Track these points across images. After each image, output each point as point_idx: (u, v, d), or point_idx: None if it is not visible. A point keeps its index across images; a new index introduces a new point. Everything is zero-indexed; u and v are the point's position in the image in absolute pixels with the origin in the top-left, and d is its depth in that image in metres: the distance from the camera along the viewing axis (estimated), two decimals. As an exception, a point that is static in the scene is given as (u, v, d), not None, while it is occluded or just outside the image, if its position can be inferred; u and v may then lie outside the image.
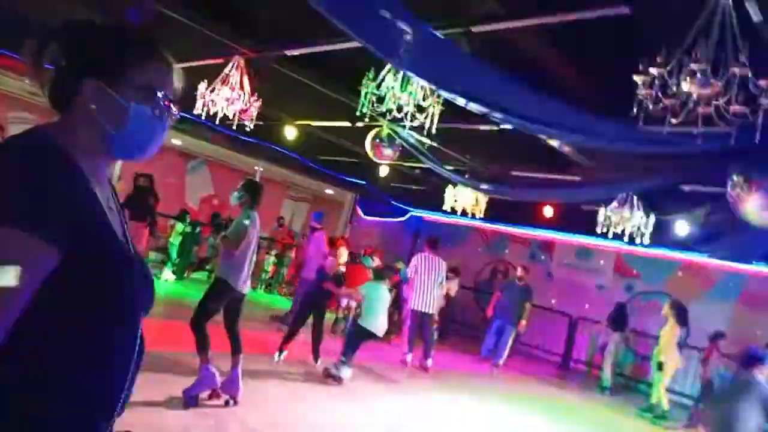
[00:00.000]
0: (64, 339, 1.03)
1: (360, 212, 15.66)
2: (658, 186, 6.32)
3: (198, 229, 11.62)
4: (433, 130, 5.11)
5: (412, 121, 5.29)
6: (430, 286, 8.55)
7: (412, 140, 7.90)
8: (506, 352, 9.58)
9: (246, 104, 6.09)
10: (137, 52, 1.18)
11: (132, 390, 1.16)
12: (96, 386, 1.08)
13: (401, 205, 15.20)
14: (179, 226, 10.98)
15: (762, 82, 3.21)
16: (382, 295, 6.85)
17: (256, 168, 13.44)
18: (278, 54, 6.13)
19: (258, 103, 6.16)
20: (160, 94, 1.17)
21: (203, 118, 6.11)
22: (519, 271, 10.10)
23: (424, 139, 8.00)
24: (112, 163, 1.24)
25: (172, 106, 1.21)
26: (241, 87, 6.03)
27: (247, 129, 6.25)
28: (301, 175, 13.54)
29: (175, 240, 10.96)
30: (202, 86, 6.05)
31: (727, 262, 10.37)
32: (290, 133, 9.43)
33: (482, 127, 6.92)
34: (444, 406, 6.58)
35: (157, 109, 1.17)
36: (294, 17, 5.52)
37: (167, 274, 10.48)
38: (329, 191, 15.42)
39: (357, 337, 6.59)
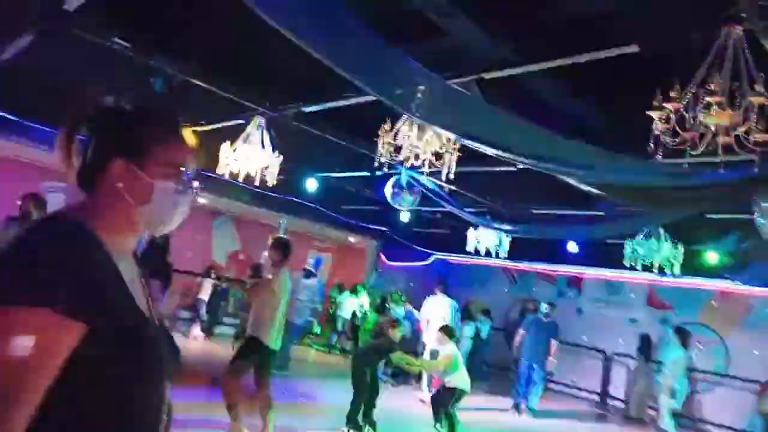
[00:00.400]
0: (91, 412, 1.05)
1: (384, 259, 15.66)
2: (683, 217, 6.24)
3: (226, 285, 11.73)
4: (452, 176, 5.16)
5: (429, 167, 5.37)
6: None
7: (431, 185, 7.97)
8: (540, 392, 9.31)
9: (268, 161, 6.25)
10: (161, 131, 1.24)
11: None
12: None
13: (423, 249, 15.18)
14: (206, 282, 11.09)
15: (779, 109, 3.21)
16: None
17: (280, 221, 13.70)
18: (297, 111, 6.31)
19: (279, 159, 6.31)
20: (182, 170, 1.23)
21: (226, 176, 6.26)
22: (543, 307, 9.76)
23: (444, 184, 8.07)
24: (137, 236, 1.28)
25: (193, 180, 1.26)
26: (263, 144, 6.20)
27: (270, 185, 6.37)
28: (325, 225, 13.67)
29: (204, 296, 11.05)
30: (225, 146, 6.23)
31: (762, 288, 10.07)
32: (311, 185, 9.59)
33: (500, 169, 6.96)
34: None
35: (180, 185, 1.23)
36: (311, 74, 5.72)
37: (195, 332, 10.52)
38: (352, 239, 15.50)
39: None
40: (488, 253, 9.85)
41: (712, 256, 8.24)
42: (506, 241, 9.81)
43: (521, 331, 9.70)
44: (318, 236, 15.53)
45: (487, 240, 9.78)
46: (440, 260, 15.73)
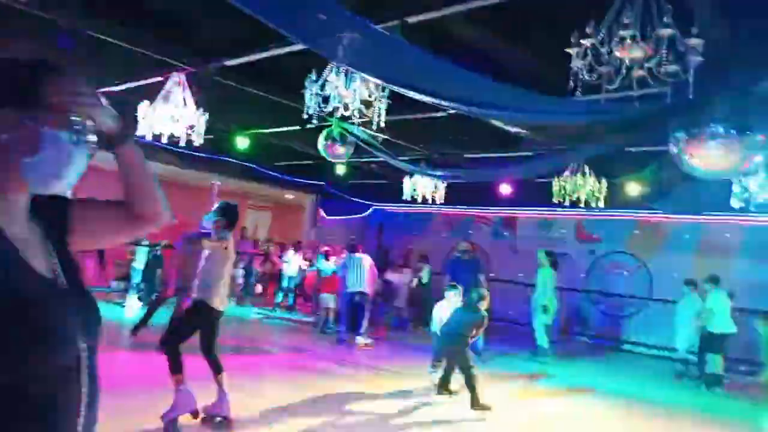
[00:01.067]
0: None
1: (323, 213, 15.62)
2: (606, 151, 6.52)
3: (159, 252, 11.39)
4: (382, 124, 5.14)
5: (360, 117, 5.32)
6: None
7: (364, 136, 7.92)
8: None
9: (192, 119, 6.00)
10: (51, 79, 1.15)
11: (93, 428, 1.15)
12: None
13: (362, 201, 15.24)
14: (141, 250, 10.73)
15: (689, 41, 3.35)
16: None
17: (212, 182, 13.32)
18: (219, 65, 6.05)
19: (204, 117, 6.07)
20: (74, 119, 1.14)
21: (149, 138, 5.98)
22: (461, 246, 9.28)
23: (377, 134, 8.03)
24: (26, 195, 1.18)
25: (88, 132, 1.16)
26: (185, 103, 5.93)
27: (196, 144, 6.14)
28: (259, 183, 13.42)
29: (138, 265, 10.71)
30: (143, 106, 5.93)
31: (679, 216, 10.80)
32: (242, 143, 9.33)
33: (432, 115, 6.99)
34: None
35: (72, 135, 1.14)
36: (232, 27, 5.47)
37: (132, 302, 10.25)
38: (289, 196, 15.33)
39: None
40: (425, 200, 9.99)
41: (633, 188, 8.70)
42: (442, 187, 9.97)
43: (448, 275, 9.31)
44: (253, 195, 15.26)
45: (423, 187, 9.91)
46: (379, 211, 15.86)
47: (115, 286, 11.63)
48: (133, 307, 10.12)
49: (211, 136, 7.88)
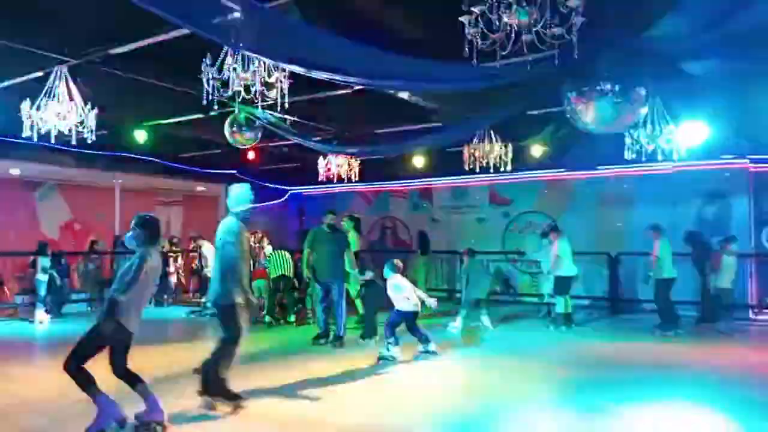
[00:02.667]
0: None
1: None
2: (507, 116, 6.75)
3: (64, 260, 10.70)
4: (287, 105, 5.04)
5: (263, 99, 5.19)
6: None
7: (271, 119, 7.75)
8: (343, 318, 7.53)
9: (81, 115, 5.61)
10: None
11: None
12: None
13: (278, 186, 14.99)
14: (43, 261, 10.01)
15: (570, 2, 3.51)
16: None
17: (114, 180, 12.58)
18: (103, 55, 5.67)
19: (94, 112, 5.69)
20: None
21: (35, 139, 5.55)
22: (328, 218, 7.77)
23: (285, 116, 7.88)
24: None
25: None
26: (70, 97, 5.53)
27: (89, 141, 5.76)
28: (166, 177, 12.84)
29: (42, 277, 9.99)
30: (25, 105, 5.47)
31: (580, 171, 11.45)
32: (140, 135, 8.85)
33: (336, 93, 6.93)
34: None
35: None
36: (114, 14, 5.12)
37: (40, 315, 9.58)
38: (201, 188, 14.78)
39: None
40: (340, 179, 9.97)
41: (536, 149, 9.11)
42: (356, 164, 9.98)
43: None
44: (161, 191, 14.59)
45: (337, 166, 9.88)
46: (296, 194, 15.67)
47: (21, 301, 10.79)
48: (43, 321, 9.48)
49: (105, 132, 7.43)
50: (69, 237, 12.58)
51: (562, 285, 8.85)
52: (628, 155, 7.07)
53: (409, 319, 6.72)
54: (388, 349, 6.58)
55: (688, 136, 7.02)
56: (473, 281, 8.94)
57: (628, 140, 7.01)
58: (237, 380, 4.81)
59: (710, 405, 4.90)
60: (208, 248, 11.83)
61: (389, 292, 6.81)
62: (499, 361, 6.85)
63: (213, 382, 4.69)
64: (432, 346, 6.75)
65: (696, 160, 8.83)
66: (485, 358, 6.98)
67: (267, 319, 9.33)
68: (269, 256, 9.74)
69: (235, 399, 4.68)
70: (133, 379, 4.37)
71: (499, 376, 6.09)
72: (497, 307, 10.38)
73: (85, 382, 4.13)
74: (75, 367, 4.14)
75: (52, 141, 5.62)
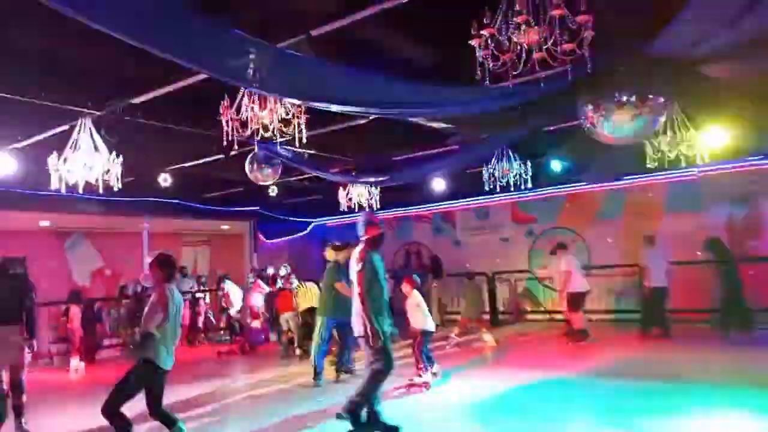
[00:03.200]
0: None
1: (262, 238, 15.35)
2: (525, 134, 6.74)
3: (96, 307, 10.87)
4: (304, 140, 5.11)
5: (282, 136, 5.26)
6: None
7: (289, 154, 7.85)
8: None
9: (106, 164, 5.75)
10: None
11: None
12: None
13: (300, 219, 15.12)
14: (75, 309, 10.17)
15: (579, 18, 3.51)
16: None
17: (142, 225, 12.83)
18: (125, 104, 5.84)
19: (119, 161, 5.83)
20: None
21: (63, 191, 5.69)
22: (328, 253, 7.77)
23: (301, 150, 7.98)
24: None
25: None
26: (96, 148, 5.69)
27: (116, 189, 5.88)
28: (192, 219, 13.05)
29: (75, 324, 10.14)
30: (51, 158, 5.63)
31: (604, 184, 11.31)
32: (164, 180, 9.03)
33: (353, 123, 7.00)
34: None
35: None
36: (135, 64, 5.28)
37: (75, 364, 9.70)
38: (225, 227, 14.98)
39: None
40: (362, 208, 10.00)
41: (555, 164, 9.07)
42: (376, 192, 10.02)
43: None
44: (187, 232, 14.82)
45: (358, 195, 9.92)
46: (319, 226, 15.76)
47: (56, 349, 10.94)
48: (79, 369, 9.59)
49: (132, 178, 7.60)
50: (100, 283, 12.81)
51: (575, 301, 8.91)
52: (649, 164, 6.98)
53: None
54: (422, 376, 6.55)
55: (709, 141, 6.91)
56: (471, 301, 9.80)
57: (649, 149, 6.92)
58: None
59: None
60: (230, 287, 11.91)
61: (413, 309, 6.82)
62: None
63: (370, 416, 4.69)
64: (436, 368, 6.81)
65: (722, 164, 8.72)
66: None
67: (298, 352, 9.33)
68: (297, 289, 9.76)
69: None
70: (171, 420, 4.40)
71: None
72: (529, 323, 10.27)
73: (123, 426, 4.17)
74: (116, 412, 4.18)
75: (80, 191, 5.76)
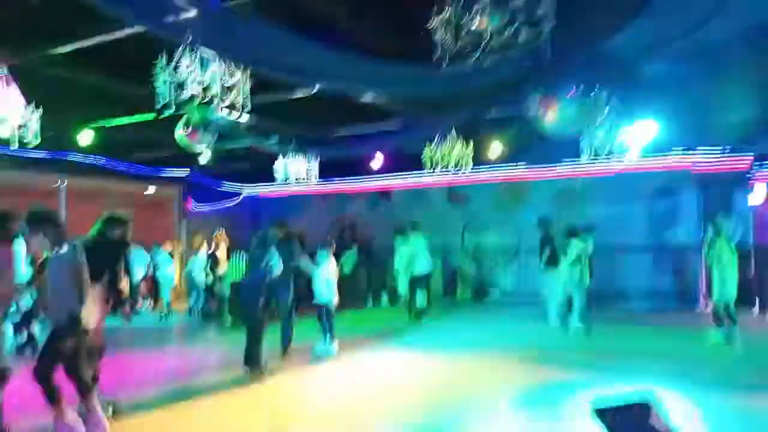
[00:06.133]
0: None
1: (191, 204, 14.74)
2: (470, 118, 6.75)
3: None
4: (247, 108, 4.86)
5: (222, 101, 4.97)
6: None
7: (226, 121, 7.49)
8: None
9: (23, 118, 5.26)
10: None
11: None
12: None
13: (232, 184, 14.67)
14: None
15: (541, 9, 3.48)
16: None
17: (56, 185, 11.93)
18: (46, 54, 5.34)
19: (38, 113, 5.34)
20: None
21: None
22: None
23: (241, 118, 7.64)
24: None
25: None
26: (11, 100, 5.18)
27: (32, 145, 5.40)
28: (116, 181, 12.31)
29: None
30: (-39, 109, 5.08)
31: (539, 168, 11.61)
32: (86, 137, 8.41)
33: (297, 95, 6.75)
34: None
35: None
36: (60, 11, 4.81)
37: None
38: (151, 190, 14.24)
39: None
40: (298, 180, 9.78)
41: (495, 147, 9.18)
42: (315, 165, 9.80)
43: None
44: (109, 194, 13.98)
45: (296, 167, 9.66)
46: (251, 196, 15.32)
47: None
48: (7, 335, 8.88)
49: (52, 134, 7.01)
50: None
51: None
52: (584, 154, 7.17)
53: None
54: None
55: (640, 135, 7.20)
56: None
57: (585, 140, 7.10)
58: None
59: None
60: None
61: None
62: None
63: None
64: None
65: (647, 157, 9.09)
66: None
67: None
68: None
69: None
70: (85, 387, 4.12)
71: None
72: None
73: (55, 395, 3.89)
74: (46, 376, 3.89)
75: (-8, 145, 5.25)
